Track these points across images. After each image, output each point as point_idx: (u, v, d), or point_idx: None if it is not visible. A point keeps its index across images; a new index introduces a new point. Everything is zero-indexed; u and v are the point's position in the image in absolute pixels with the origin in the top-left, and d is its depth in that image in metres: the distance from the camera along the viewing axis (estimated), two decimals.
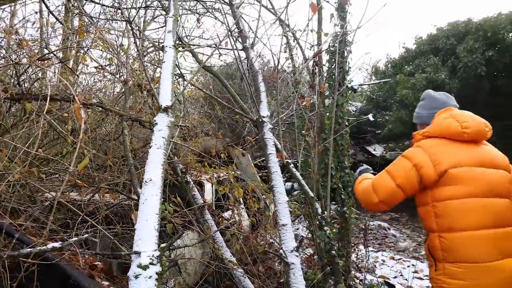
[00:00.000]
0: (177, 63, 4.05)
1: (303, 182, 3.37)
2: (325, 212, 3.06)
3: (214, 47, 3.79)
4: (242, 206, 5.20)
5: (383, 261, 5.25)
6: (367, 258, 3.93)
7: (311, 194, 3.19)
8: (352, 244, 5.48)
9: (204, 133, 7.81)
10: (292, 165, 3.55)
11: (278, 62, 3.58)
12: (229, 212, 5.00)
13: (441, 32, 8.61)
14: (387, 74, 9.50)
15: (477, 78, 7.64)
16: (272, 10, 4.50)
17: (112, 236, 2.13)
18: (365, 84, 9.74)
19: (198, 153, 5.07)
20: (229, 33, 3.20)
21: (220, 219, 4.55)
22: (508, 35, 7.37)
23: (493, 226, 1.64)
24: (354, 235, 7.00)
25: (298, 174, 3.44)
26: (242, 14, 4.08)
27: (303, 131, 3.36)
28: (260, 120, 3.36)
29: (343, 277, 3.39)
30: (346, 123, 4.72)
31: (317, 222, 3.08)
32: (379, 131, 9.25)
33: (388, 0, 3.11)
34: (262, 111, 3.43)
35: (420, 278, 4.57)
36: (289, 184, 10.79)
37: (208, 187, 4.93)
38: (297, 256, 2.69)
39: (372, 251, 5.83)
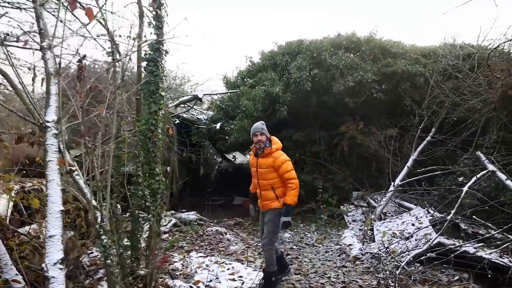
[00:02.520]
0: None
1: (85, 190, 3.34)
2: (105, 220, 3.08)
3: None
4: None
5: (207, 265, 5.55)
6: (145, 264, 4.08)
7: (94, 202, 3.18)
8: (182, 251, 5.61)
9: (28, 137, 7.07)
10: (77, 172, 3.49)
11: (70, 63, 3.50)
12: (34, 226, 4.66)
13: (280, 50, 9.71)
14: (236, 85, 10.21)
15: (306, 93, 8.83)
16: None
17: None
18: (210, 94, 10.26)
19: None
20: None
21: (15, 234, 4.24)
22: (330, 57, 8.73)
23: None
24: (190, 242, 7.28)
25: (81, 181, 3.41)
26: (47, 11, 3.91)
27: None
28: (44, 125, 3.24)
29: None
30: (160, 131, 4.90)
31: (96, 232, 3.08)
32: (228, 139, 9.82)
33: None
34: (48, 116, 3.31)
35: (233, 280, 4.97)
36: None
37: (1, 199, 4.52)
38: (61, 268, 2.65)
39: (201, 256, 6.10)
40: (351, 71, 8.75)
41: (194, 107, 10.43)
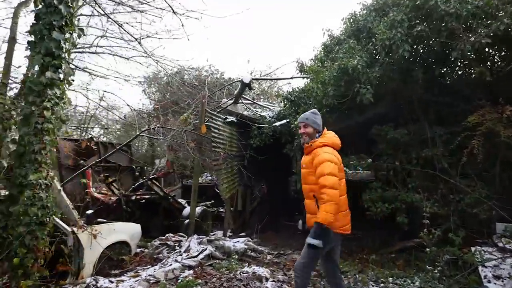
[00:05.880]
0: None
1: None
2: None
3: None
4: None
5: None
6: None
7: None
8: None
9: None
10: None
11: None
12: None
13: (364, 9, 6.55)
14: (312, 69, 7.38)
15: (405, 65, 5.51)
16: None
17: None
18: (261, 79, 7.69)
19: None
20: None
21: None
22: (444, 2, 5.23)
23: (344, 194, 3.46)
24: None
25: None
26: None
27: None
28: None
29: None
30: (52, 110, 2.63)
31: None
32: (295, 141, 7.07)
33: None
34: None
35: None
36: (198, 209, 8.51)
37: None
38: None
39: None
40: (484, 21, 5.09)
41: (261, 103, 7.98)
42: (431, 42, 5.45)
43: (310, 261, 3.35)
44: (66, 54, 2.82)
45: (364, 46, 5.94)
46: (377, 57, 5.68)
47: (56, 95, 2.68)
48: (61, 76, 2.70)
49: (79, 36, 3.14)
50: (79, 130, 14.00)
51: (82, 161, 8.78)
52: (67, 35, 2.73)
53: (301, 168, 3.55)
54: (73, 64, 13.09)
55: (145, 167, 11.71)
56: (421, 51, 5.67)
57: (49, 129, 2.58)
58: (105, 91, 11.48)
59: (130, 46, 10.57)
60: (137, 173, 10.68)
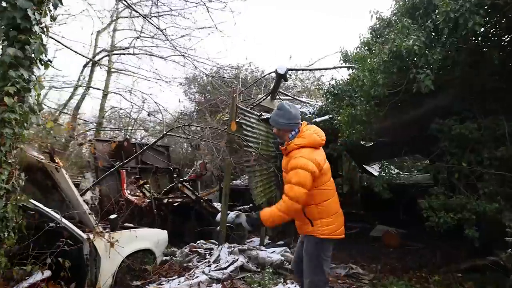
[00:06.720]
0: None
1: None
2: None
3: None
4: None
5: None
6: None
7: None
8: None
9: None
10: None
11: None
12: None
13: None
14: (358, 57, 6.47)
15: (475, 43, 4.46)
16: None
17: None
18: (297, 70, 6.84)
19: None
20: None
21: None
22: None
23: (334, 194, 3.10)
24: None
25: None
26: None
27: None
28: None
29: None
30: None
31: None
32: (338, 140, 6.20)
33: None
34: None
35: None
36: (232, 214, 7.87)
37: None
38: None
39: None
40: None
41: (302, 99, 7.22)
42: (510, 14, 4.35)
43: (317, 276, 2.98)
44: (37, 28, 2.30)
45: (421, 25, 4.96)
46: (438, 36, 4.69)
47: (24, 78, 2.16)
48: (33, 55, 2.18)
49: (55, 6, 2.62)
50: (121, 131, 14.10)
51: (118, 163, 8.54)
52: (41, 6, 2.22)
53: (283, 171, 3.23)
54: (114, 68, 13.21)
55: (184, 169, 11.37)
56: (496, 25, 4.58)
57: (11, 120, 2.05)
58: (138, 92, 11.36)
59: (166, 45, 10.32)
60: (175, 175, 10.35)
